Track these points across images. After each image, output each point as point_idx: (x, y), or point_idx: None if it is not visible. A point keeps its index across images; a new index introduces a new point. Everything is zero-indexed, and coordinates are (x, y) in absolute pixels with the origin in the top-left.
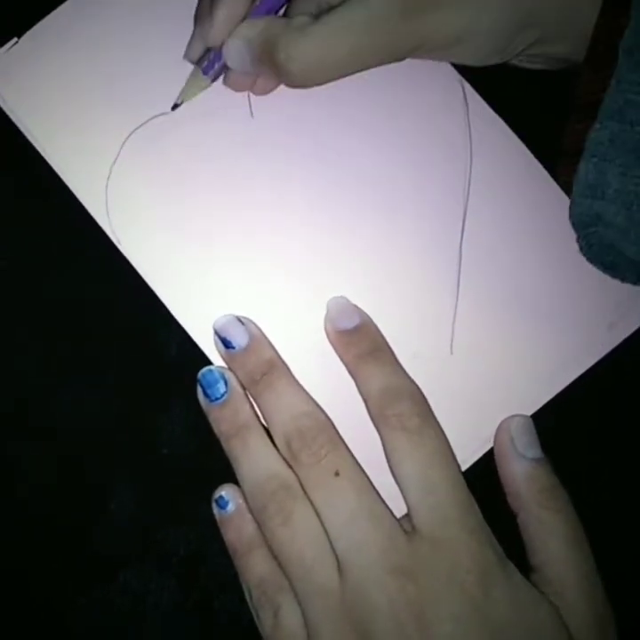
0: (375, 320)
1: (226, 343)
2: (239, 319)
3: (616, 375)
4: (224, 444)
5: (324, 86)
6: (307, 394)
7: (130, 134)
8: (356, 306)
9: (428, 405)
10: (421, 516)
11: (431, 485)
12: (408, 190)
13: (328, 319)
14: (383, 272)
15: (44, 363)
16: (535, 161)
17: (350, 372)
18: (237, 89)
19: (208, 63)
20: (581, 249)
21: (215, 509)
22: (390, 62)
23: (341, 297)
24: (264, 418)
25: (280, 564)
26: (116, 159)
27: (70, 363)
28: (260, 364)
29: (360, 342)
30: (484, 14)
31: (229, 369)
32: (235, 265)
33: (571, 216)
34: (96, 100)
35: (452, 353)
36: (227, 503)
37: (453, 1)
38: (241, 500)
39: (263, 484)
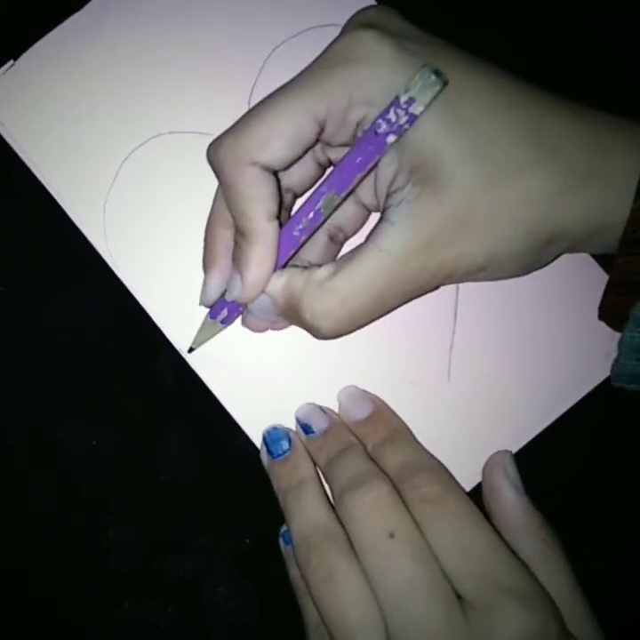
0: (373, 347)
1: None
2: (320, 408)
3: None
4: (281, 501)
5: None
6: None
7: (127, 156)
8: (366, 393)
9: (451, 475)
10: (465, 583)
11: (467, 549)
12: None
13: (342, 411)
14: None
15: (42, 390)
16: None
17: (372, 457)
18: (257, 331)
19: (224, 313)
20: (613, 380)
21: (282, 544)
22: (418, 297)
23: (351, 386)
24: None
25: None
26: (114, 182)
27: (68, 390)
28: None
29: (376, 431)
30: (507, 243)
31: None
32: None
33: (611, 371)
34: (93, 123)
35: (449, 380)
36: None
37: (474, 238)
38: None
39: (308, 537)
